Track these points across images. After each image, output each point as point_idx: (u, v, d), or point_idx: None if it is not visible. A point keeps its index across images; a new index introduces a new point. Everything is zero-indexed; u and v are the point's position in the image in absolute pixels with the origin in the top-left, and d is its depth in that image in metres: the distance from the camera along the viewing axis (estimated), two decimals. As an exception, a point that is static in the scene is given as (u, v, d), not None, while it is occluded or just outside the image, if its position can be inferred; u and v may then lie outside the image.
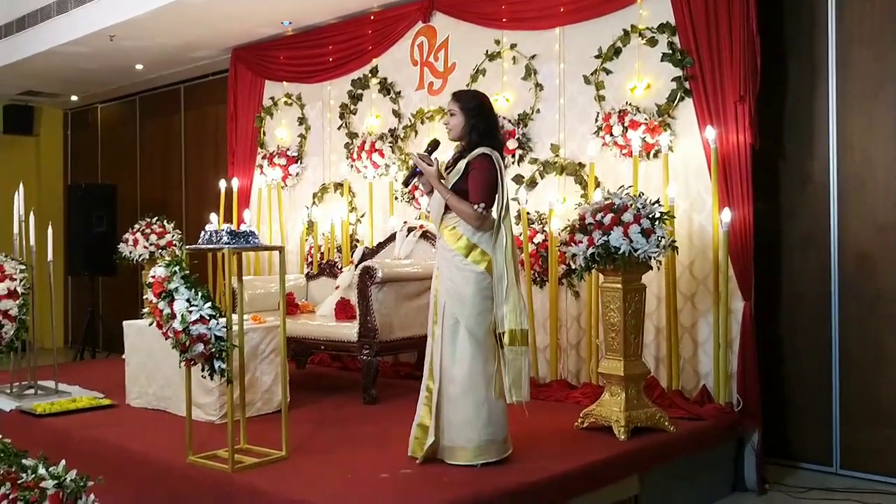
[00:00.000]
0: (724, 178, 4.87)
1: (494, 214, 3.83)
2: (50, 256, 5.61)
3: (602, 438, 4.29)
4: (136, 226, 7.47)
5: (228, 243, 3.83)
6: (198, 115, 9.36)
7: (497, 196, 3.81)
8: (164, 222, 7.51)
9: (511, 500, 3.53)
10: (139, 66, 8.70)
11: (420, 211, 6.38)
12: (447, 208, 3.86)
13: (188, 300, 3.68)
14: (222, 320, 3.73)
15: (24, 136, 10.85)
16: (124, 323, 5.39)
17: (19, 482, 3.53)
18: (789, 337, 5.15)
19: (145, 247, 7.29)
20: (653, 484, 4.19)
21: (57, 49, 7.93)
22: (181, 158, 9.62)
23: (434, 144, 4.05)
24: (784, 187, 5.17)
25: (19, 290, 5.33)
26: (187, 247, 4.04)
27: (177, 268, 3.74)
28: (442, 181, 3.88)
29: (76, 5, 7.47)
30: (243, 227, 3.90)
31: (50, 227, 5.68)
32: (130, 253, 7.33)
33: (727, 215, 4.75)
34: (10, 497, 3.52)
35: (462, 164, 3.85)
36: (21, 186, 5.73)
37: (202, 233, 3.94)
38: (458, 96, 4.00)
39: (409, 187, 4.16)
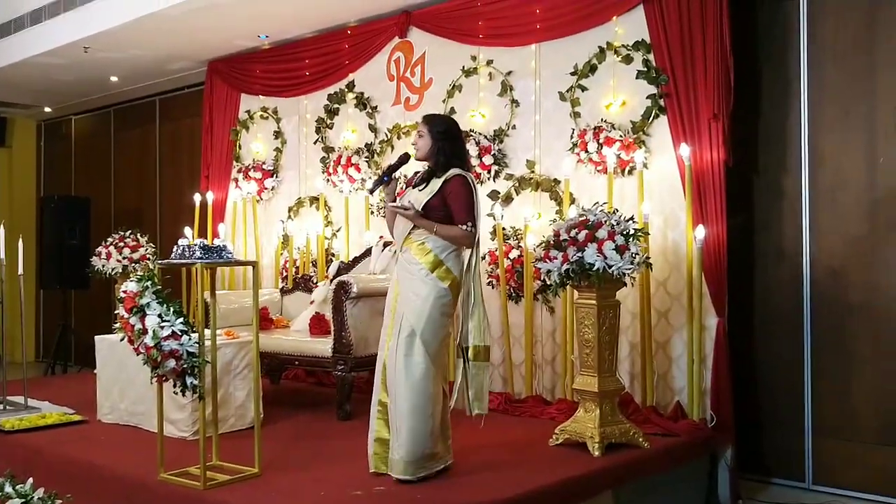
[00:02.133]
0: (697, 194, 4.91)
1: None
2: (21, 270, 5.54)
3: (576, 454, 4.29)
4: (110, 239, 7.41)
5: (201, 258, 3.81)
6: (173, 128, 9.30)
7: (475, 214, 3.93)
8: (138, 236, 7.46)
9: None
10: (114, 78, 8.65)
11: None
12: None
13: (160, 315, 3.65)
14: (194, 336, 3.69)
15: (-4, 147, 10.74)
16: (96, 338, 5.33)
17: (-15, 501, 3.47)
18: (763, 350, 5.19)
19: (118, 260, 7.23)
20: (626, 500, 4.18)
21: (30, 60, 7.87)
22: (156, 171, 9.55)
23: (403, 158, 4.14)
24: (757, 201, 5.21)
25: (-12, 304, 5.26)
26: (160, 262, 4.00)
27: (149, 283, 3.71)
28: (422, 218, 3.90)
29: (50, 16, 7.41)
30: (216, 242, 3.87)
31: (21, 240, 5.61)
32: (103, 266, 7.27)
33: (701, 232, 4.78)
34: (-25, 516, 3.46)
35: (436, 183, 3.94)
36: (-9, 199, 5.66)
37: (175, 247, 3.90)
38: (428, 119, 4.12)
39: (373, 194, 4.26)
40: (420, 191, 3.98)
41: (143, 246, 7.37)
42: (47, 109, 10.46)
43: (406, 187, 4.14)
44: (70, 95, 9.60)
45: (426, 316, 3.83)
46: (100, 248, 7.38)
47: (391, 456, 3.86)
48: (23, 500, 3.36)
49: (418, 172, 4.19)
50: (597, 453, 4.25)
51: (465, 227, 3.87)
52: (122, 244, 7.32)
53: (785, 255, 5.10)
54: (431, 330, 3.83)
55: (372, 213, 6.69)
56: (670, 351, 5.06)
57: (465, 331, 3.92)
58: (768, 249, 5.18)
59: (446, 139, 3.99)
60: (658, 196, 5.13)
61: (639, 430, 4.47)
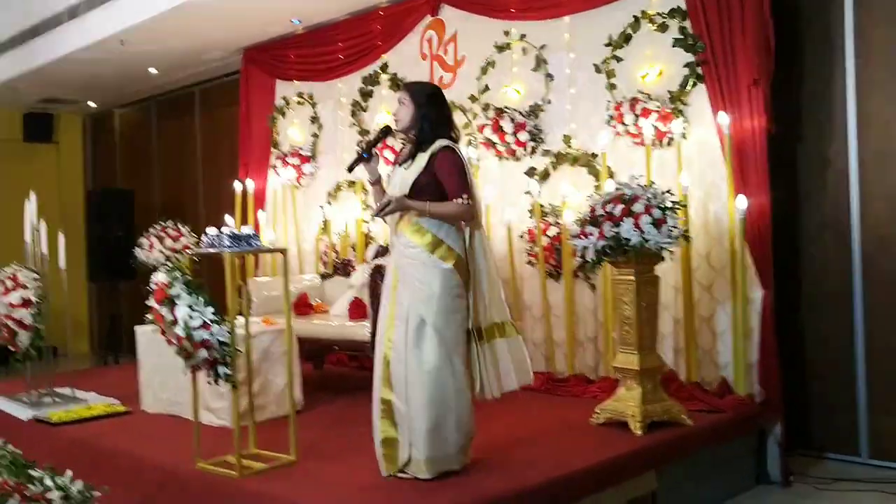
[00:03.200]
0: (738, 164, 4.74)
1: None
2: (62, 264, 5.61)
3: (618, 433, 4.21)
4: (152, 230, 7.48)
5: (230, 247, 3.79)
6: (213, 117, 9.36)
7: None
8: (179, 225, 7.51)
9: (527, 498, 3.46)
10: (153, 70, 8.71)
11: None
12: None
13: (190, 306, 3.64)
14: (225, 325, 3.68)
15: (45, 143, 10.91)
16: (137, 328, 5.38)
17: (26, 494, 3.52)
18: (811, 324, 5.02)
19: (161, 251, 7.29)
20: (671, 479, 4.09)
21: (70, 56, 7.96)
22: (197, 161, 9.62)
23: (385, 131, 3.88)
24: (802, 171, 5.03)
25: (33, 298, 5.34)
26: (189, 251, 4.00)
27: (178, 273, 3.70)
28: (412, 200, 3.62)
29: (86, 10, 7.47)
30: (244, 230, 3.86)
31: (61, 234, 5.68)
32: (147, 257, 7.34)
33: (743, 203, 4.63)
34: (20, 508, 3.51)
35: (423, 158, 3.64)
36: (32, 195, 5.74)
37: (204, 237, 3.89)
38: (408, 86, 3.86)
39: (352, 172, 3.97)
40: (406, 169, 3.68)
41: (184, 235, 7.42)
42: (91, 104, 10.60)
43: (395, 166, 3.81)
44: (112, 89, 9.70)
45: (436, 303, 3.53)
46: (142, 239, 7.46)
47: (411, 455, 3.57)
48: (61, 492, 3.41)
49: (403, 148, 3.86)
50: (639, 432, 4.16)
51: (460, 200, 3.56)
52: (163, 234, 7.39)
53: (832, 225, 4.92)
54: (444, 317, 3.54)
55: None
56: (715, 325, 4.92)
57: (482, 310, 3.64)
58: (815, 219, 5.00)
59: (430, 106, 3.67)
60: (698, 167, 4.98)
61: (682, 407, 4.36)
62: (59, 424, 4.97)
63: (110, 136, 11.06)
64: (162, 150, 10.24)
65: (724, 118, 4.74)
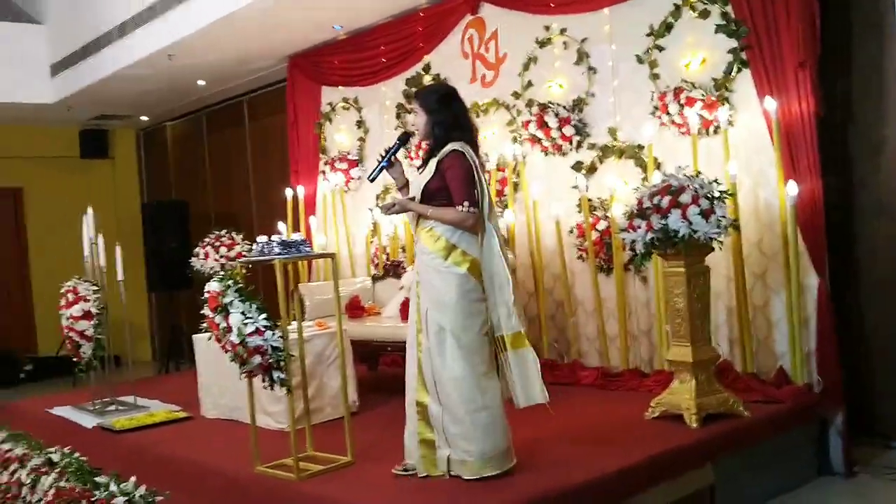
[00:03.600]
0: (787, 149, 4.66)
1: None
2: (120, 276, 5.76)
3: (673, 427, 4.17)
4: (206, 239, 7.62)
5: (280, 254, 3.86)
6: (261, 126, 9.50)
7: (476, 191, 3.58)
8: (233, 234, 7.64)
9: (580, 495, 3.45)
10: (201, 83, 8.89)
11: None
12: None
13: (243, 313, 3.71)
14: (278, 331, 3.75)
15: (100, 159, 11.21)
16: (194, 337, 5.50)
17: (93, 500, 3.65)
18: (869, 310, 4.91)
19: (216, 259, 7.42)
20: (729, 472, 4.04)
21: (121, 73, 8.17)
22: (248, 170, 9.78)
23: (403, 138, 3.91)
24: (855, 156, 4.92)
25: (93, 310, 5.50)
26: (241, 260, 4.08)
27: (230, 282, 3.78)
28: (412, 200, 3.68)
29: (134, 28, 7.66)
30: (294, 236, 3.92)
31: (118, 247, 5.83)
32: (202, 266, 7.48)
33: (793, 188, 4.55)
34: (88, 514, 3.64)
35: (433, 163, 3.65)
36: (90, 210, 5.90)
37: (255, 245, 3.97)
38: (418, 94, 3.86)
39: (374, 181, 3.96)
40: (421, 173, 3.72)
41: (238, 244, 7.54)
42: (144, 118, 10.86)
43: (416, 172, 3.82)
44: (162, 103, 9.93)
45: (451, 307, 3.53)
46: (198, 249, 7.60)
47: (450, 457, 3.58)
48: (125, 497, 3.53)
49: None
50: (694, 425, 4.12)
51: (461, 207, 3.51)
52: (217, 243, 7.52)
53: (887, 209, 4.80)
54: (461, 323, 3.52)
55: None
56: (770, 314, 4.85)
57: (497, 318, 3.58)
58: (869, 204, 4.88)
59: (441, 109, 3.66)
60: (745, 154, 4.90)
61: (738, 398, 4.30)
62: (122, 432, 5.11)
63: (163, 149, 11.31)
64: (213, 161, 10.43)
65: (770, 103, 4.66)
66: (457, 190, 3.55)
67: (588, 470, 3.61)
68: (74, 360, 5.80)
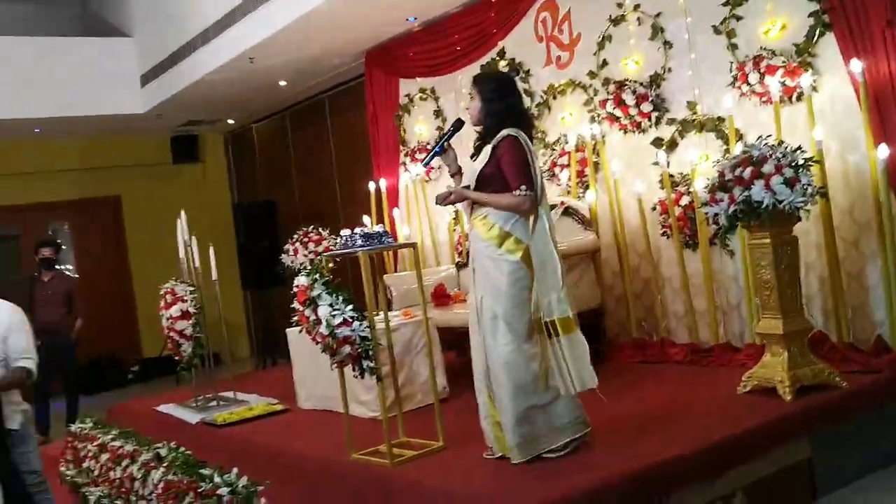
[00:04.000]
0: (876, 112, 4.50)
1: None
2: (214, 275, 5.98)
3: (766, 401, 4.10)
4: (295, 236, 7.82)
5: (363, 246, 3.95)
6: (343, 122, 9.67)
7: (531, 175, 3.59)
8: (320, 230, 7.81)
9: (673, 470, 3.45)
10: (282, 83, 9.10)
11: (560, 187, 6.31)
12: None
13: (331, 305, 3.82)
14: (365, 321, 3.84)
15: (191, 163, 11.61)
16: (287, 331, 5.66)
17: (200, 490, 3.82)
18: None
19: (305, 255, 7.60)
20: (826, 445, 3.95)
21: (206, 78, 8.44)
22: (332, 166, 9.97)
23: (457, 124, 3.93)
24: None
25: (191, 310, 5.73)
26: (326, 254, 4.20)
27: (317, 275, 3.89)
28: (468, 190, 3.71)
29: (216, 34, 7.90)
30: (376, 228, 4.01)
31: (211, 248, 6.05)
32: (292, 262, 7.68)
33: (884, 151, 4.39)
34: None
35: (487, 149, 3.67)
36: (182, 213, 6.14)
37: (339, 238, 4.07)
38: (476, 79, 3.87)
39: (427, 168, 3.98)
40: (474, 161, 3.75)
41: (325, 239, 7.70)
42: (230, 121, 11.18)
43: (470, 159, 3.84)
44: (247, 105, 10.20)
45: (505, 297, 3.57)
46: (287, 246, 7.81)
47: (508, 438, 3.65)
48: (229, 488, 3.68)
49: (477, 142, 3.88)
50: (788, 398, 4.03)
51: (517, 192, 3.54)
52: (306, 240, 7.70)
53: None
54: (514, 311, 3.56)
55: (535, 178, 6.64)
56: (865, 281, 4.70)
57: (547, 303, 3.58)
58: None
59: (496, 99, 3.69)
60: (832, 119, 4.76)
61: (834, 369, 4.20)
62: (224, 426, 5.32)
63: (250, 150, 11.63)
64: (299, 159, 10.67)
65: (856, 65, 4.51)
66: (512, 174, 3.58)
67: (681, 445, 3.59)
68: (176, 359, 6.05)
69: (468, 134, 3.97)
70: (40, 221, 10.58)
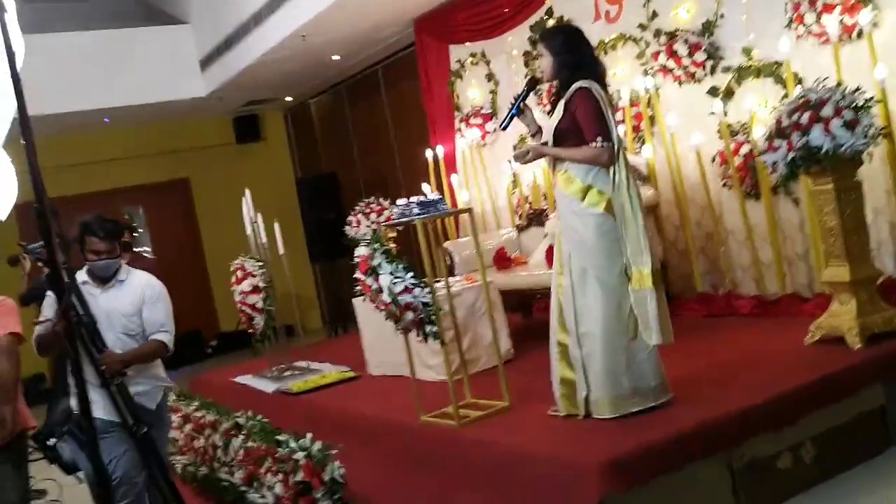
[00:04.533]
0: (941, 45, 4.35)
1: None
2: (281, 250, 6.14)
3: (835, 350, 4.04)
4: (357, 207, 7.93)
5: (420, 214, 4.01)
6: (398, 92, 9.72)
7: (607, 125, 3.58)
8: (380, 200, 7.91)
9: (743, 421, 3.45)
10: (335, 58, 9.18)
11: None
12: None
13: (392, 273, 3.91)
14: (426, 287, 3.92)
15: (254, 142, 11.83)
16: (354, 300, 5.78)
17: (277, 456, 3.98)
18: None
19: (367, 226, 7.72)
20: (901, 392, 3.89)
21: (262, 59, 8.57)
22: (390, 135, 10.05)
23: (531, 83, 3.92)
24: None
25: (261, 284, 5.91)
26: (384, 223, 4.28)
27: (377, 245, 3.98)
28: (545, 146, 3.71)
29: (268, 14, 8.01)
30: (431, 196, 4.06)
31: (276, 223, 6.20)
32: (356, 233, 7.80)
33: (951, 86, 4.25)
34: (273, 469, 3.98)
35: (561, 104, 3.66)
36: (247, 192, 6.30)
37: (395, 208, 4.14)
38: (543, 35, 3.86)
39: (507, 129, 3.98)
40: (551, 117, 3.74)
41: (386, 209, 7.80)
42: (289, 99, 11.34)
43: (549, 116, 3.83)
44: (304, 82, 10.33)
45: (594, 251, 3.57)
46: (350, 218, 7.93)
47: (588, 397, 3.65)
48: (304, 452, 3.83)
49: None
50: (858, 346, 3.97)
51: (594, 143, 3.53)
52: (368, 210, 7.81)
53: None
54: (605, 264, 3.57)
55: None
56: (938, 223, 4.58)
57: (628, 256, 3.57)
58: None
59: (566, 50, 3.66)
60: (895, 56, 4.60)
61: (906, 315, 4.11)
62: (298, 394, 5.50)
63: (310, 125, 11.78)
64: (357, 131, 10.77)
65: (918, -2, 4.35)
66: (588, 126, 3.57)
67: (751, 395, 3.59)
68: (250, 332, 6.25)
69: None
70: (115, 206, 10.94)
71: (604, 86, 3.70)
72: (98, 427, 3.22)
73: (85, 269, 3.80)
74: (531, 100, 4.20)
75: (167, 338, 3.86)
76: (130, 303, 3.82)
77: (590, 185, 3.60)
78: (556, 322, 3.79)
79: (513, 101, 3.87)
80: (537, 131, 3.91)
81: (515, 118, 3.89)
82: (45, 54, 8.63)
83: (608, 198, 3.59)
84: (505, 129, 4.00)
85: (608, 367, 3.60)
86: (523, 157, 3.79)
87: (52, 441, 4.62)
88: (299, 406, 5.35)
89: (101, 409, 3.41)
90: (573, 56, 3.68)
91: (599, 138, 3.54)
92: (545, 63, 3.75)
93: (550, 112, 3.82)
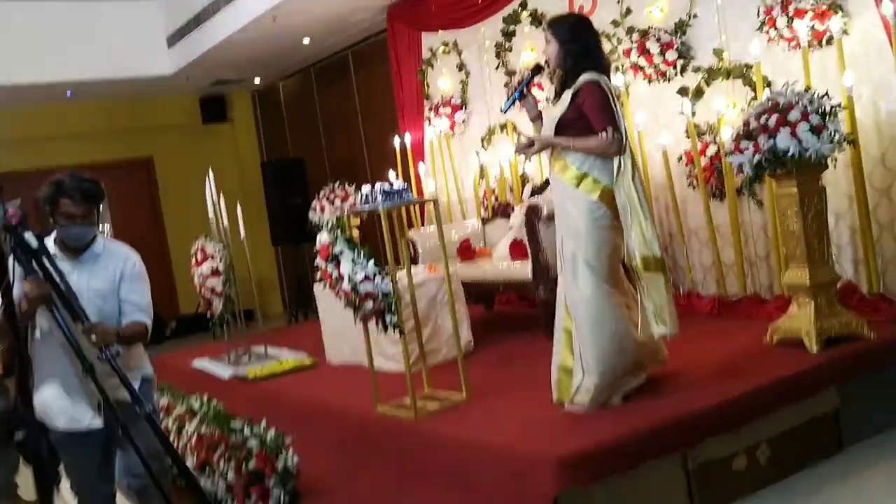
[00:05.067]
0: (908, 55, 4.38)
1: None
2: (242, 233, 6.04)
3: (793, 352, 4.07)
4: (322, 193, 7.84)
5: (384, 202, 3.96)
6: (367, 77, 9.62)
7: (616, 117, 3.63)
8: (345, 186, 7.83)
9: (699, 421, 3.46)
10: (306, 41, 9.05)
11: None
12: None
13: (353, 261, 3.86)
14: (387, 276, 3.87)
15: (220, 123, 11.64)
16: (314, 287, 5.72)
17: (231, 442, 3.91)
18: None
19: (332, 212, 7.63)
20: (854, 396, 3.91)
21: (230, 38, 8.41)
22: (358, 121, 9.95)
23: (535, 70, 3.93)
24: None
25: (220, 267, 5.81)
26: (348, 210, 4.21)
27: (339, 232, 3.92)
28: (554, 137, 3.71)
29: (238, -7, 7.88)
30: (395, 185, 4.01)
31: (238, 206, 6.10)
32: (319, 219, 7.71)
33: (916, 96, 4.28)
34: (226, 456, 3.92)
35: (567, 94, 3.69)
36: (210, 172, 6.18)
37: (359, 195, 4.09)
38: (551, 23, 3.85)
39: (507, 113, 4.01)
40: (554, 105, 3.77)
41: (351, 195, 7.72)
42: (257, 80, 11.17)
43: (547, 104, 3.90)
44: (273, 64, 10.17)
45: (583, 235, 3.62)
46: (314, 203, 7.84)
47: (582, 382, 3.66)
48: (257, 439, 3.76)
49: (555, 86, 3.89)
50: (815, 349, 4.00)
51: (603, 134, 3.57)
52: (332, 196, 7.73)
53: None
54: (593, 249, 3.62)
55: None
56: (896, 231, 4.62)
57: (629, 245, 3.62)
58: None
59: (573, 40, 3.68)
60: (864, 64, 4.64)
61: (862, 319, 4.14)
62: (254, 380, 5.42)
63: (277, 108, 11.64)
64: (325, 116, 10.66)
65: (888, 7, 4.38)
66: (596, 118, 3.60)
67: (708, 395, 3.60)
68: (208, 315, 6.15)
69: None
70: (74, 183, 10.71)
71: (608, 75, 3.75)
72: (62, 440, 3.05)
73: (54, 236, 3.19)
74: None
75: (148, 322, 3.27)
76: (106, 278, 3.21)
77: (585, 173, 3.65)
78: (562, 308, 3.79)
79: (516, 86, 3.90)
80: (537, 117, 3.92)
81: (517, 102, 3.91)
82: (3, 22, 8.45)
83: (603, 186, 3.63)
84: (505, 112, 4.06)
85: (598, 353, 3.61)
86: (527, 148, 3.79)
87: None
88: (255, 393, 5.28)
89: (66, 416, 3.13)
90: (579, 45, 3.70)
91: (609, 129, 3.57)
92: (551, 50, 3.76)
93: (554, 100, 3.83)
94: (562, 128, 3.68)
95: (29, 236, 2.75)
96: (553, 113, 3.74)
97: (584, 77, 3.65)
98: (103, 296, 3.20)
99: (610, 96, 3.64)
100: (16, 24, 8.37)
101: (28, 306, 2.83)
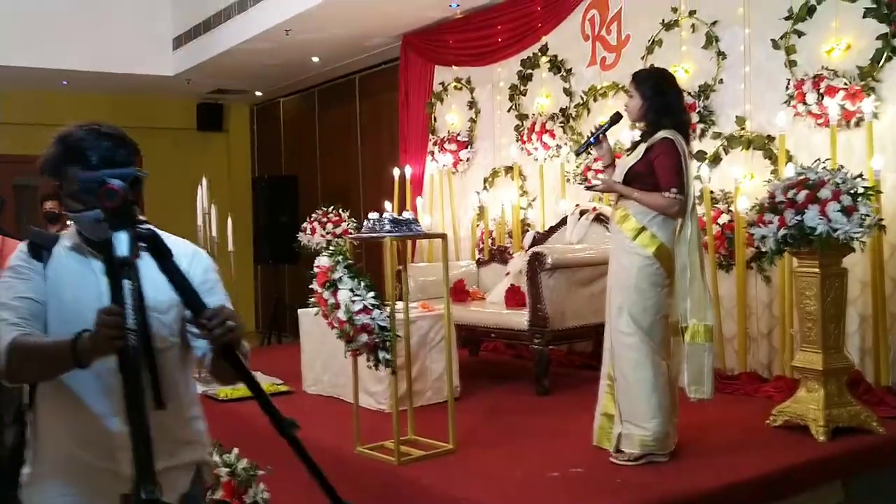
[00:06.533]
0: (940, 145, 4.28)
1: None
2: (230, 247, 5.80)
3: (798, 439, 3.89)
4: (314, 215, 7.62)
5: (391, 232, 3.76)
6: (372, 104, 9.47)
7: (684, 180, 3.60)
8: (340, 211, 7.62)
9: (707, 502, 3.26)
10: (315, 59, 8.90)
11: (593, 193, 6.09)
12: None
13: (352, 290, 3.64)
14: (386, 310, 3.65)
15: (216, 132, 11.42)
16: (300, 311, 5.47)
17: (196, 469, 3.61)
18: None
19: (322, 235, 7.41)
20: (859, 492, 3.74)
21: (240, 47, 8.22)
22: (357, 147, 9.77)
23: (615, 118, 3.96)
24: None
25: (202, 279, 5.54)
26: (350, 236, 4.01)
27: (340, 257, 3.70)
28: (619, 184, 3.72)
29: (254, 3, 7.70)
30: (405, 215, 3.81)
31: (230, 218, 5.87)
32: (309, 241, 7.49)
33: (945, 188, 4.17)
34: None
35: (641, 147, 3.69)
36: (204, 181, 5.96)
37: (365, 221, 3.88)
38: (635, 76, 3.85)
39: (580, 156, 4.07)
40: (628, 156, 3.77)
41: (344, 220, 7.52)
42: (258, 94, 10.99)
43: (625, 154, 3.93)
44: (277, 79, 10.00)
45: (632, 288, 3.59)
46: (305, 224, 7.62)
47: (615, 431, 3.64)
48: (228, 469, 3.49)
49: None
50: (822, 438, 3.82)
51: (667, 193, 3.55)
52: (325, 220, 7.51)
53: None
54: (639, 303, 3.57)
55: (568, 180, 6.43)
56: (909, 324, 4.48)
57: (683, 309, 3.60)
58: None
59: (655, 96, 3.69)
60: (891, 149, 4.54)
61: (871, 412, 3.98)
62: (225, 401, 5.14)
63: (275, 124, 11.44)
64: (324, 137, 10.47)
65: (923, 96, 4.29)
66: (665, 176, 3.59)
67: (712, 477, 3.42)
68: (183, 328, 5.86)
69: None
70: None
71: (686, 135, 3.72)
72: None
73: (71, 228, 2.06)
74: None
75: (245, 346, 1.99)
76: (164, 287, 1.85)
77: (644, 227, 3.63)
78: (608, 356, 3.78)
79: (593, 131, 3.94)
80: (610, 164, 3.92)
81: (592, 146, 3.95)
82: (10, 4, 8.24)
83: (660, 243, 3.60)
84: (578, 154, 4.44)
85: (636, 407, 3.57)
86: (593, 188, 4.04)
87: None
88: (225, 414, 4.98)
89: None
90: (661, 100, 3.71)
91: (674, 190, 3.56)
92: (633, 104, 3.77)
93: (629, 151, 3.85)
94: (631, 178, 3.68)
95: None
96: (626, 162, 3.75)
97: (661, 134, 3.65)
98: (161, 311, 2.00)
99: (682, 157, 3.63)
100: (24, 8, 8.15)
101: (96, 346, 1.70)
